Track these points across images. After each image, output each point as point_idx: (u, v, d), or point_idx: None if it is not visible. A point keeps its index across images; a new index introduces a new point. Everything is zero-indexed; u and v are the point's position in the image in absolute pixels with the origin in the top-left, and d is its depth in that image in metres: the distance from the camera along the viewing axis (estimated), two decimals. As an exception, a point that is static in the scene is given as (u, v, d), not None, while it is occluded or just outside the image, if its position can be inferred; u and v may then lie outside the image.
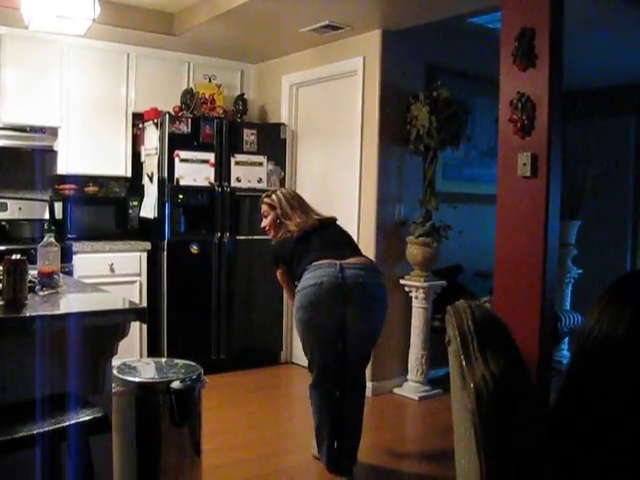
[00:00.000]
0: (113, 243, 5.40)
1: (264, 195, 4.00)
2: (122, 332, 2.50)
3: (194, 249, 5.42)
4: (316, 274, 3.53)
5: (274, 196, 3.92)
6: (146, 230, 5.61)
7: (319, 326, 3.54)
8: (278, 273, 3.93)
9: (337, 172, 5.60)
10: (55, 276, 2.70)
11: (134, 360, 3.41)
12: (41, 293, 2.57)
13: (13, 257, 2.33)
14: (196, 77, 6.01)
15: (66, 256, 4.83)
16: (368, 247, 5.10)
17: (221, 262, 5.59)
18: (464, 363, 1.36)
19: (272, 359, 6.05)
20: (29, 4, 4.16)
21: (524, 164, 3.76)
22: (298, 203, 3.93)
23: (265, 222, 3.94)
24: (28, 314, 2.25)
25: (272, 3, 4.58)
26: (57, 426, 1.99)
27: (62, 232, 5.21)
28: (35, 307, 2.36)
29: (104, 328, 2.47)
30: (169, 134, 5.32)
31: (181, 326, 5.42)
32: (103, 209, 5.64)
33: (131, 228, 5.64)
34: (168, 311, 5.38)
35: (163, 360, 3.55)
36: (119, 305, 2.65)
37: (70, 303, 2.62)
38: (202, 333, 5.53)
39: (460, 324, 1.41)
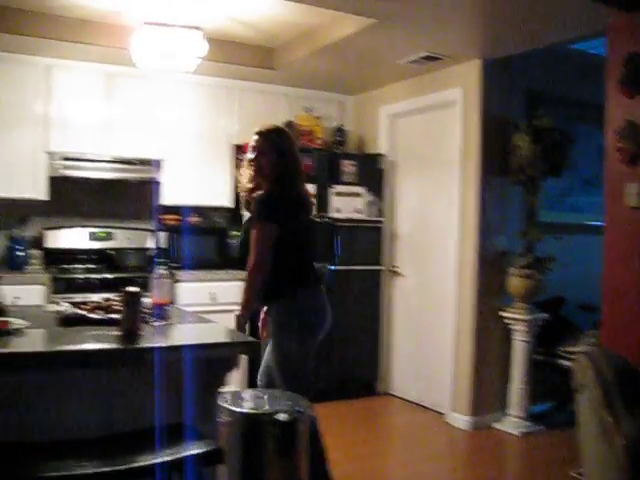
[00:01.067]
0: (215, 272, 5.53)
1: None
2: (233, 364, 2.55)
3: (292, 279, 5.47)
4: (323, 300, 3.39)
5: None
6: (247, 260, 5.69)
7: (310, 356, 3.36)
8: (267, 235, 3.24)
9: (436, 202, 5.57)
10: (167, 307, 2.78)
11: (239, 390, 3.45)
12: (154, 324, 2.64)
13: (131, 289, 2.41)
14: (295, 109, 6.13)
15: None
16: (468, 278, 5.04)
17: (320, 292, 5.62)
18: (609, 417, 1.31)
19: (368, 390, 6.03)
20: (139, 44, 4.37)
21: (632, 194, 3.65)
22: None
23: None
24: (145, 345, 2.33)
25: (370, 36, 4.62)
26: (174, 457, 2.03)
27: (166, 262, 5.35)
28: (150, 338, 2.43)
29: (216, 360, 2.52)
30: (270, 165, 5.42)
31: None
32: (205, 239, 5.80)
33: (232, 257, 5.74)
34: (267, 340, 5.42)
35: (269, 391, 3.58)
36: (231, 338, 2.70)
37: (183, 335, 2.69)
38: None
39: (599, 373, 1.36)
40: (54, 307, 2.80)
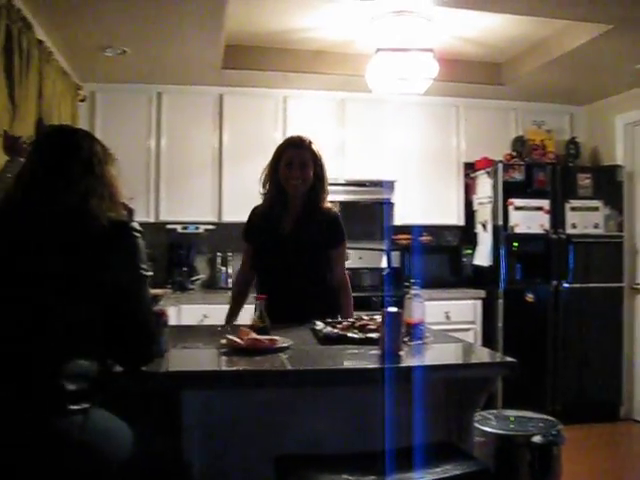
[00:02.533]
0: (448, 291, 5.55)
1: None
2: (490, 385, 2.53)
3: (529, 297, 5.36)
4: None
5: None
6: (480, 278, 5.68)
7: None
8: None
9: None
10: (421, 327, 2.82)
11: (489, 411, 3.42)
12: (411, 343, 2.69)
13: (392, 310, 2.48)
14: (524, 124, 6.02)
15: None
16: None
17: (557, 310, 5.45)
18: None
19: (609, 414, 5.69)
20: (374, 70, 4.52)
21: None
22: None
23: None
24: (407, 364, 2.38)
25: (605, 43, 4.41)
26: (443, 476, 2.05)
27: (399, 281, 5.45)
28: (410, 357, 2.48)
29: (473, 380, 2.52)
30: (503, 182, 5.38)
31: (516, 375, 5.33)
32: (437, 258, 5.84)
33: (465, 276, 5.74)
34: (503, 360, 5.33)
35: (517, 412, 3.52)
36: (489, 358, 2.69)
37: (441, 354, 2.71)
38: (537, 383, 5.40)
39: None
40: (313, 326, 2.93)
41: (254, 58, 5.12)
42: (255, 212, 3.42)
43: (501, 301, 5.36)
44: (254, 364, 2.29)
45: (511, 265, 5.35)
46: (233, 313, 3.46)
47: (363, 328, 2.86)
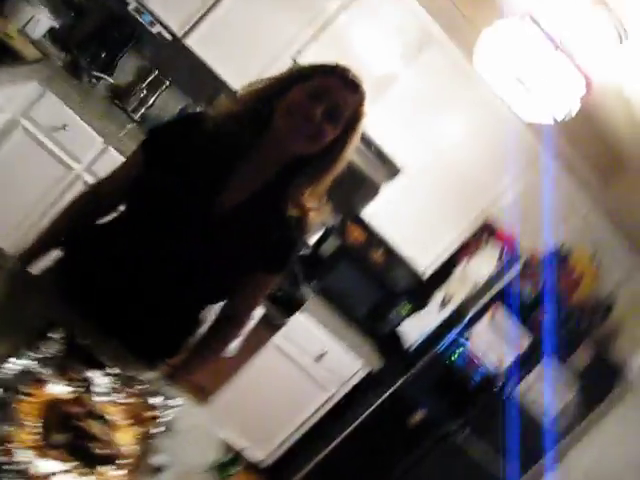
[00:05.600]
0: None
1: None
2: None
3: (417, 417, 3.94)
4: None
5: None
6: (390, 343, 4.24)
7: None
8: None
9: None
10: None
11: None
12: None
13: None
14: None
15: None
16: None
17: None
18: None
19: None
20: (489, 47, 2.89)
21: None
22: None
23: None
24: None
25: None
26: None
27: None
28: None
29: None
30: (505, 284, 3.83)
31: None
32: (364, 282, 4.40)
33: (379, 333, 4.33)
34: None
35: None
36: None
37: None
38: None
39: None
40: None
41: None
42: (199, 124, 1.77)
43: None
44: None
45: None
46: (44, 247, 1.92)
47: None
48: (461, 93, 4.04)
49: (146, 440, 1.41)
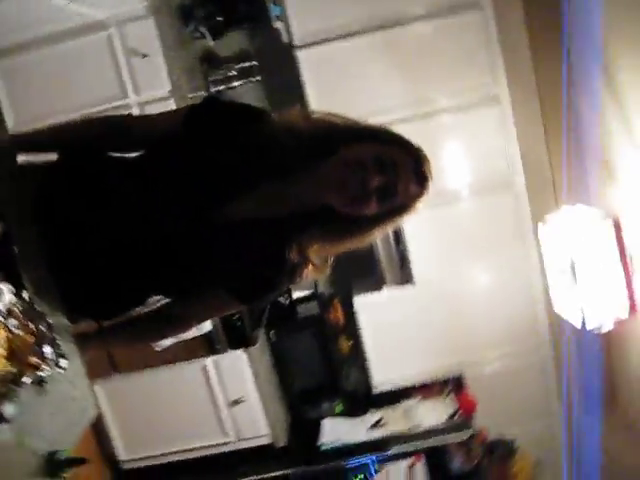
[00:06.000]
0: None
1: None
2: None
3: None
4: None
5: None
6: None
7: None
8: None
9: None
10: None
11: None
12: None
13: None
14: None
15: None
16: None
17: None
18: None
19: None
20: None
21: None
22: None
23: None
24: None
25: None
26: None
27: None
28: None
29: None
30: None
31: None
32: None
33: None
34: None
35: None
36: None
37: None
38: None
39: None
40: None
41: None
42: (256, 122, 1.61)
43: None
44: None
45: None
46: (50, 143, 1.74)
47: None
48: (508, 250, 3.92)
49: (10, 383, 1.23)
